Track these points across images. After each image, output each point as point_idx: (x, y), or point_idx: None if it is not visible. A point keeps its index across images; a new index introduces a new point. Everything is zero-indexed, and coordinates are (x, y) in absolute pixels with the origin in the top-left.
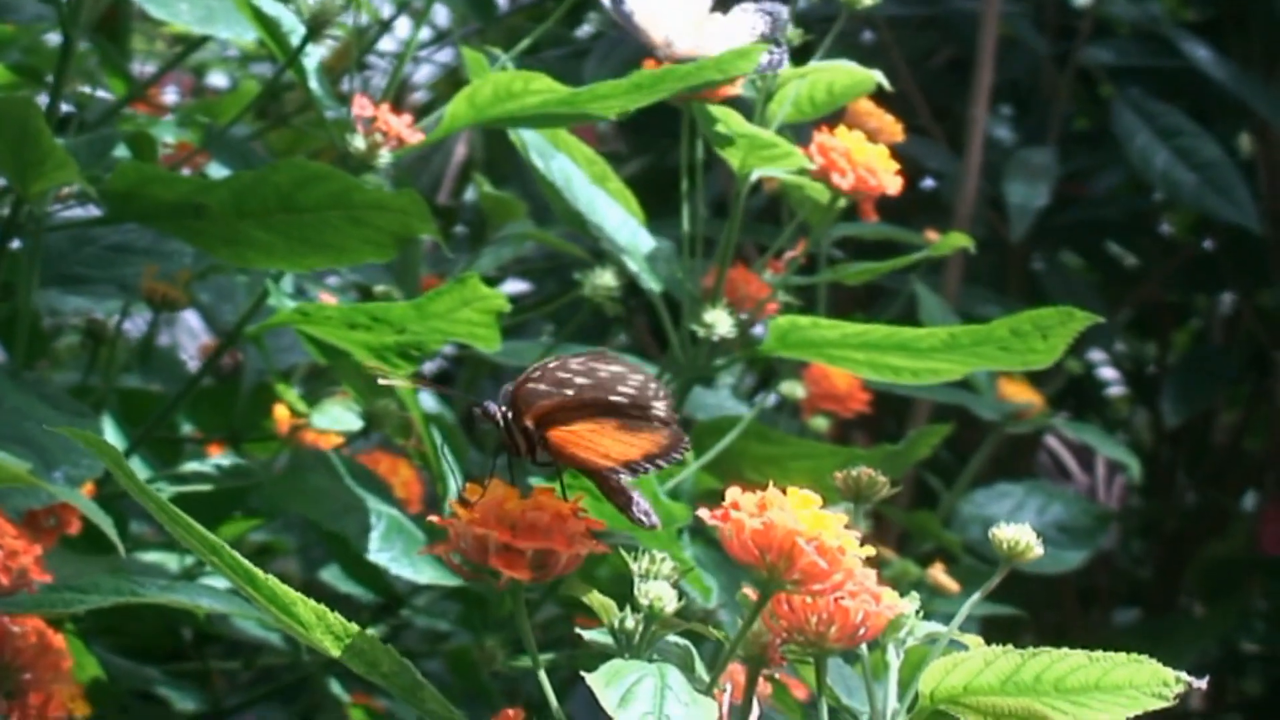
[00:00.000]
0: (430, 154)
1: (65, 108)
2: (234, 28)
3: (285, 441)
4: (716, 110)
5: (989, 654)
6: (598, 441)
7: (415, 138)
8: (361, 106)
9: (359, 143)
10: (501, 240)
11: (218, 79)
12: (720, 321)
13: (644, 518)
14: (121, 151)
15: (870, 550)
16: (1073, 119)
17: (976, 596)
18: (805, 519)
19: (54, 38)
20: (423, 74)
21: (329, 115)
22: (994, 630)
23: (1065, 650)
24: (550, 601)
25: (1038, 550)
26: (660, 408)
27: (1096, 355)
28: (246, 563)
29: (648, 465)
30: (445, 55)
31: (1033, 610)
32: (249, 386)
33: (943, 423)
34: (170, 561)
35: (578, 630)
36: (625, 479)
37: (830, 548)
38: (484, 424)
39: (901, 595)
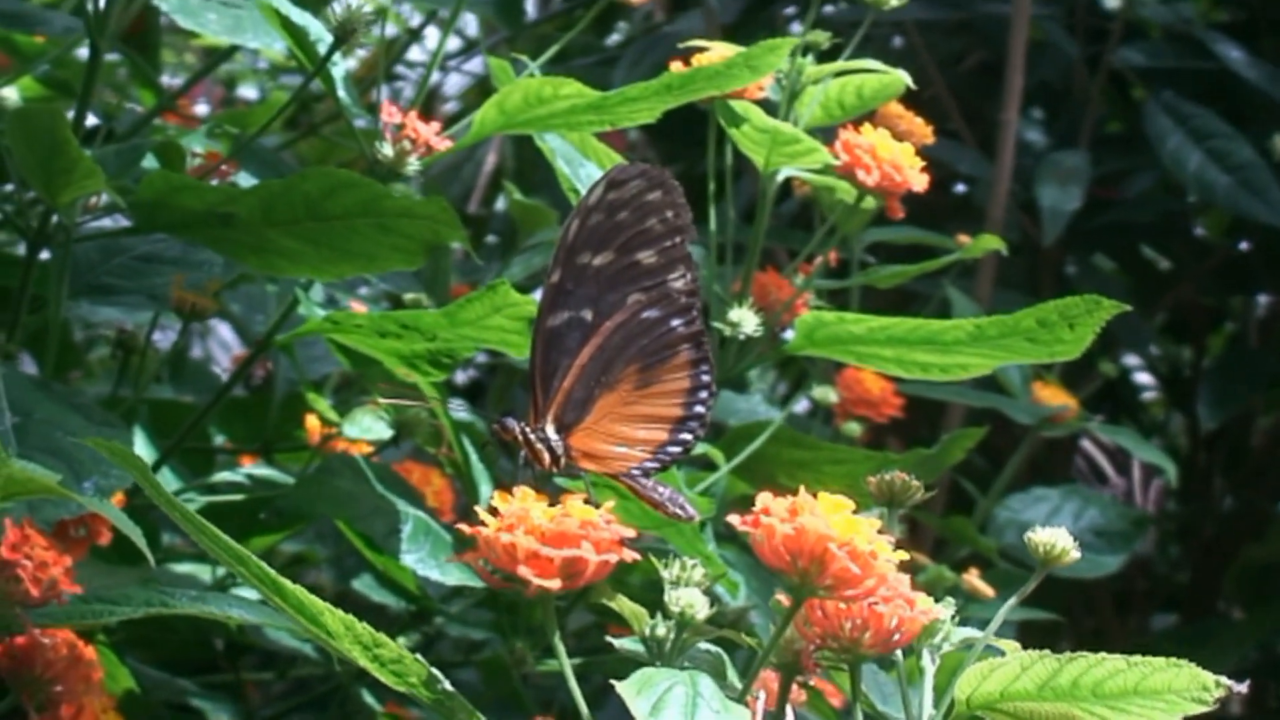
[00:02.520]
0: (461, 163)
1: (95, 121)
2: (262, 37)
3: (316, 451)
4: (739, 106)
5: (1026, 659)
6: (619, 430)
7: (443, 144)
8: (390, 113)
9: (387, 150)
10: (532, 248)
11: (248, 91)
12: (745, 320)
13: (681, 511)
14: (150, 162)
15: (903, 555)
16: (1104, 122)
17: (1013, 601)
18: (837, 524)
19: (84, 52)
20: (453, 85)
21: (358, 124)
22: (1030, 635)
23: (1103, 655)
24: (582, 609)
25: (1074, 554)
26: (683, 278)
27: (1131, 360)
28: (273, 573)
29: (679, 438)
30: (475, 65)
31: (1069, 615)
32: (281, 397)
33: (976, 427)
34: (203, 572)
35: (608, 639)
36: (653, 479)
37: (863, 553)
38: (505, 440)
39: (937, 601)
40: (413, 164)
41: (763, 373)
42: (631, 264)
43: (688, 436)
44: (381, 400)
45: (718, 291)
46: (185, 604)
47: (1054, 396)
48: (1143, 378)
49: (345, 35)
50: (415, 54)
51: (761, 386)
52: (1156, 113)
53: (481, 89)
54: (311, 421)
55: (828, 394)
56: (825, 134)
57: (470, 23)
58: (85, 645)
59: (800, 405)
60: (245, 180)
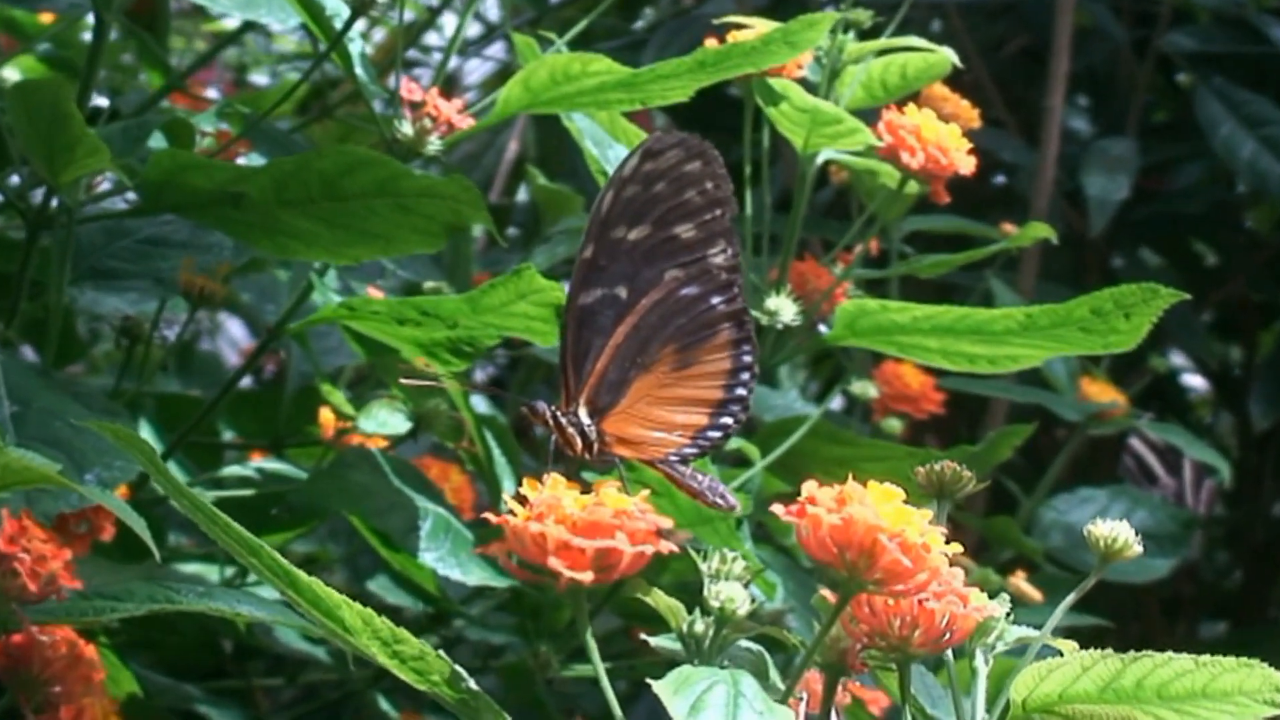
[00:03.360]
0: (482, 152)
1: (102, 101)
2: (276, 13)
3: (330, 446)
4: (777, 84)
5: (1086, 659)
6: (656, 413)
7: (466, 123)
8: (410, 91)
9: (406, 129)
10: (555, 237)
11: (260, 78)
12: (783, 308)
13: (721, 500)
14: (158, 141)
15: (957, 547)
16: (1152, 110)
17: (1071, 598)
18: (887, 514)
19: (89, 35)
20: (473, 75)
21: (376, 106)
22: (1076, 642)
23: (1169, 655)
24: (609, 612)
25: (1136, 548)
26: (723, 253)
27: (1177, 360)
28: (288, 564)
29: (719, 422)
30: (496, 50)
31: (1116, 622)
32: (293, 390)
33: (1021, 424)
34: (210, 573)
35: (643, 637)
36: (691, 467)
37: (914, 545)
38: (535, 425)
39: None
40: (433, 143)
41: (793, 371)
42: (669, 238)
43: (729, 420)
44: (402, 381)
45: (754, 280)
46: (192, 601)
47: (1102, 393)
48: (1190, 379)
49: (362, 8)
50: (432, 39)
51: (791, 385)
52: (1208, 99)
53: (502, 77)
54: (325, 415)
55: (867, 388)
56: (866, 117)
57: (491, 7)
58: (86, 645)
59: (835, 403)
60: (257, 162)
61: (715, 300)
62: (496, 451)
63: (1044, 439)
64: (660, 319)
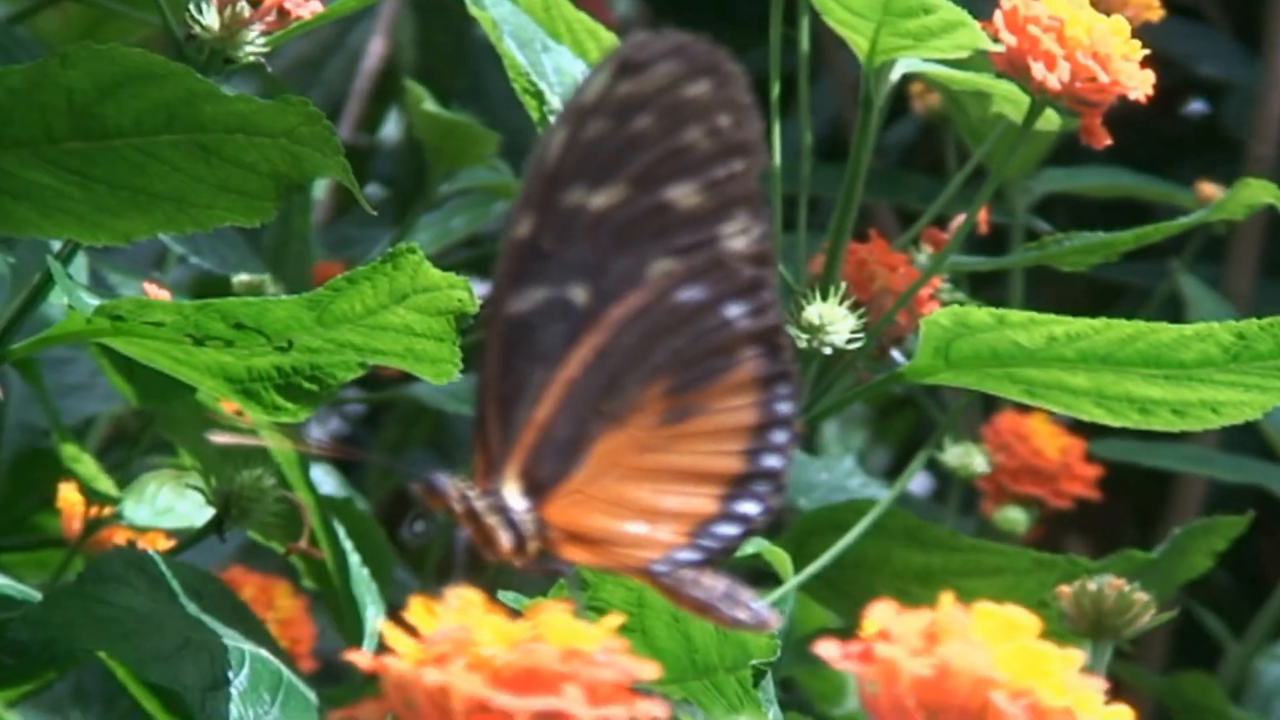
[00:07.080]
0: (322, 56)
1: None
2: None
3: (76, 548)
4: None
5: None
6: (632, 495)
7: (310, 7)
8: None
9: (210, 19)
10: (451, 201)
11: None
12: (833, 322)
13: (744, 614)
14: None
15: (1128, 714)
16: None
17: None
18: (1007, 659)
19: None
20: None
21: None
22: None
23: None
24: None
25: None
26: (745, 233)
27: None
28: None
29: (735, 511)
30: None
31: None
32: (9, 454)
33: (1228, 516)
34: None
35: None
36: (694, 572)
37: (1052, 710)
38: (433, 512)
39: None
40: (252, 43)
41: (848, 427)
42: (658, 208)
43: (752, 508)
44: (208, 437)
45: (784, 275)
46: None
47: None
48: None
49: None
50: None
51: (844, 451)
52: None
53: None
54: (68, 496)
55: (970, 459)
56: (974, 4)
57: None
58: None
59: (918, 481)
60: None
61: (732, 310)
62: (354, 559)
63: (1265, 543)
64: (642, 341)
